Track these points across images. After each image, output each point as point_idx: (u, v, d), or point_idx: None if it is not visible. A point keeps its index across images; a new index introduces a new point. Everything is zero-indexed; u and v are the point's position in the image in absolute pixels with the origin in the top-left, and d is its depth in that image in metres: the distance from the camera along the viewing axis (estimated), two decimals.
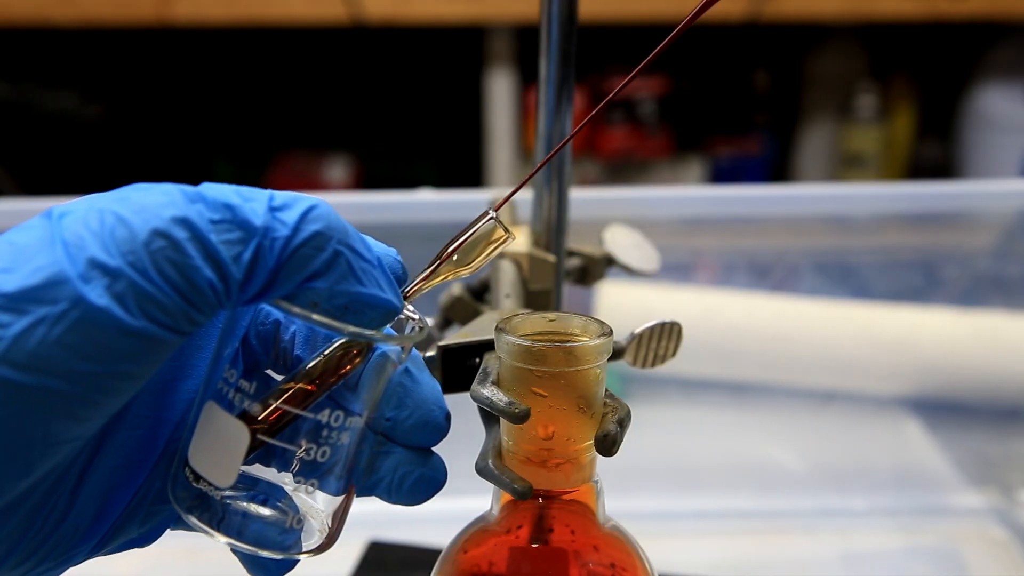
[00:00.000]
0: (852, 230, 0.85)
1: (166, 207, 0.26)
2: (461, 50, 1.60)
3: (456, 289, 0.48)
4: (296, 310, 0.28)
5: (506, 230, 0.31)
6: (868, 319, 0.81)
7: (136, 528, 0.31)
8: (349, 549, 0.61)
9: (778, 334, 0.80)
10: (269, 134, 1.75)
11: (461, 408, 0.35)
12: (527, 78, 1.54)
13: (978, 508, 0.72)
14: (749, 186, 0.82)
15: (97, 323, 0.25)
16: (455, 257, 0.31)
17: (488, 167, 1.57)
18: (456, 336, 0.38)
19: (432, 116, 1.75)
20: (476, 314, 0.47)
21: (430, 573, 0.35)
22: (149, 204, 0.26)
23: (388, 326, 0.30)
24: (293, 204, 0.28)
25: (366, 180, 1.71)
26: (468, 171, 1.66)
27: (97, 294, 0.25)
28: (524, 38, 1.50)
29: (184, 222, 0.26)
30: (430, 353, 0.40)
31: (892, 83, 1.67)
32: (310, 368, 0.30)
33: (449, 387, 0.38)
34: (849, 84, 1.63)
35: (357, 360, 0.30)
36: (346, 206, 0.77)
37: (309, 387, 0.30)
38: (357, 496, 0.32)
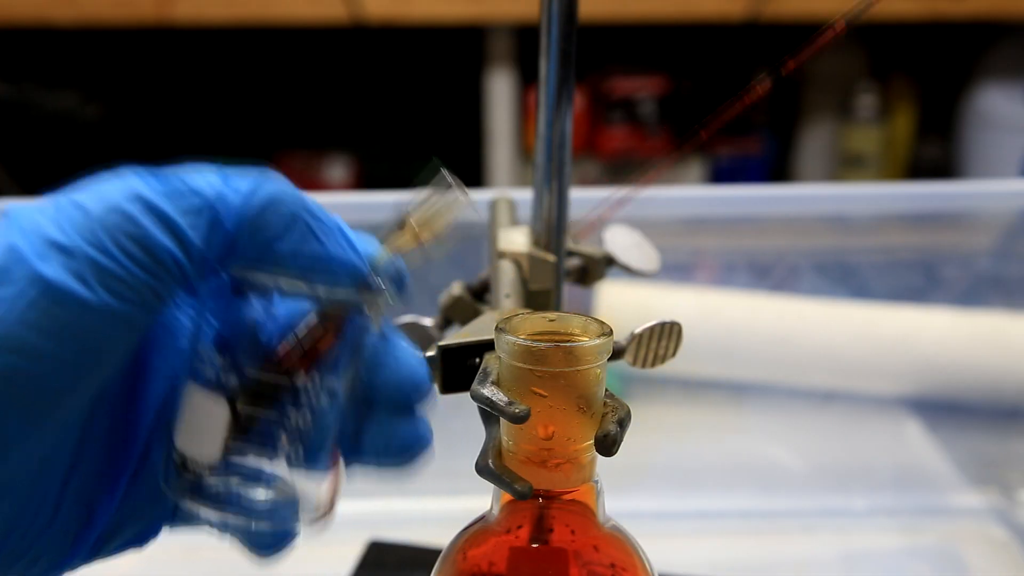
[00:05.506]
0: (852, 230, 0.85)
1: (119, 186, 0.27)
2: (461, 50, 1.60)
3: (456, 289, 0.48)
4: (261, 275, 0.28)
5: (461, 192, 0.31)
6: (868, 319, 0.80)
7: (130, 529, 0.31)
8: (349, 549, 0.61)
9: (778, 334, 0.80)
10: (269, 134, 1.75)
11: (461, 408, 0.35)
12: (527, 78, 1.54)
13: (978, 508, 0.72)
14: (749, 186, 0.82)
15: (57, 300, 0.25)
16: (413, 222, 0.31)
17: (488, 167, 1.58)
18: (456, 336, 0.38)
19: (432, 116, 1.75)
20: (476, 314, 0.47)
21: (430, 573, 0.35)
22: (103, 187, 0.27)
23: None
24: (245, 174, 0.28)
25: (366, 180, 1.71)
26: (468, 171, 1.66)
27: (54, 271, 0.25)
28: (524, 38, 1.50)
29: (138, 197, 0.26)
30: (430, 353, 0.40)
31: (892, 83, 1.67)
32: (285, 344, 0.30)
33: (449, 387, 0.38)
34: (849, 84, 1.63)
35: (332, 335, 0.30)
36: (346, 206, 0.77)
37: (286, 362, 0.30)
38: (347, 467, 0.32)
